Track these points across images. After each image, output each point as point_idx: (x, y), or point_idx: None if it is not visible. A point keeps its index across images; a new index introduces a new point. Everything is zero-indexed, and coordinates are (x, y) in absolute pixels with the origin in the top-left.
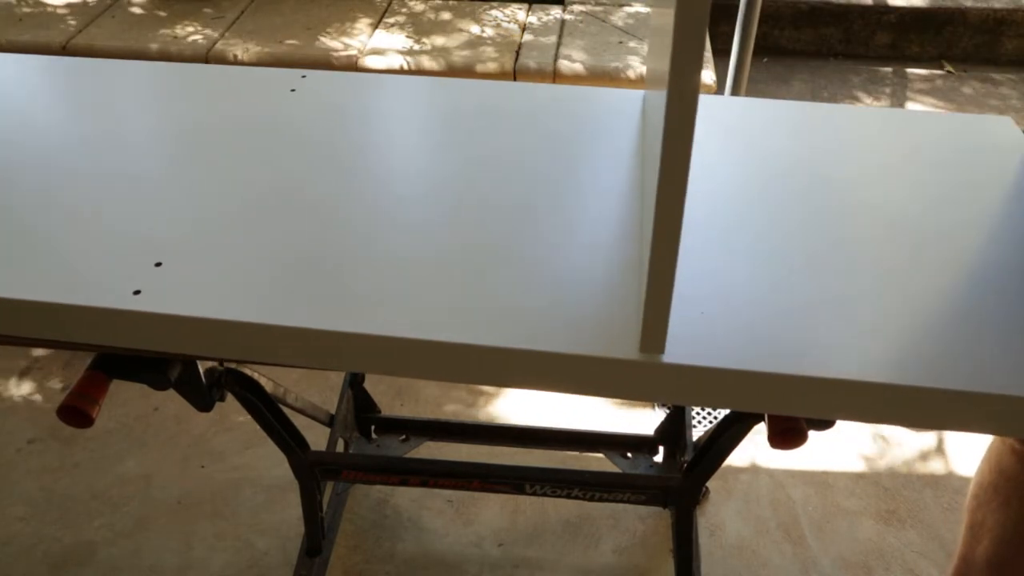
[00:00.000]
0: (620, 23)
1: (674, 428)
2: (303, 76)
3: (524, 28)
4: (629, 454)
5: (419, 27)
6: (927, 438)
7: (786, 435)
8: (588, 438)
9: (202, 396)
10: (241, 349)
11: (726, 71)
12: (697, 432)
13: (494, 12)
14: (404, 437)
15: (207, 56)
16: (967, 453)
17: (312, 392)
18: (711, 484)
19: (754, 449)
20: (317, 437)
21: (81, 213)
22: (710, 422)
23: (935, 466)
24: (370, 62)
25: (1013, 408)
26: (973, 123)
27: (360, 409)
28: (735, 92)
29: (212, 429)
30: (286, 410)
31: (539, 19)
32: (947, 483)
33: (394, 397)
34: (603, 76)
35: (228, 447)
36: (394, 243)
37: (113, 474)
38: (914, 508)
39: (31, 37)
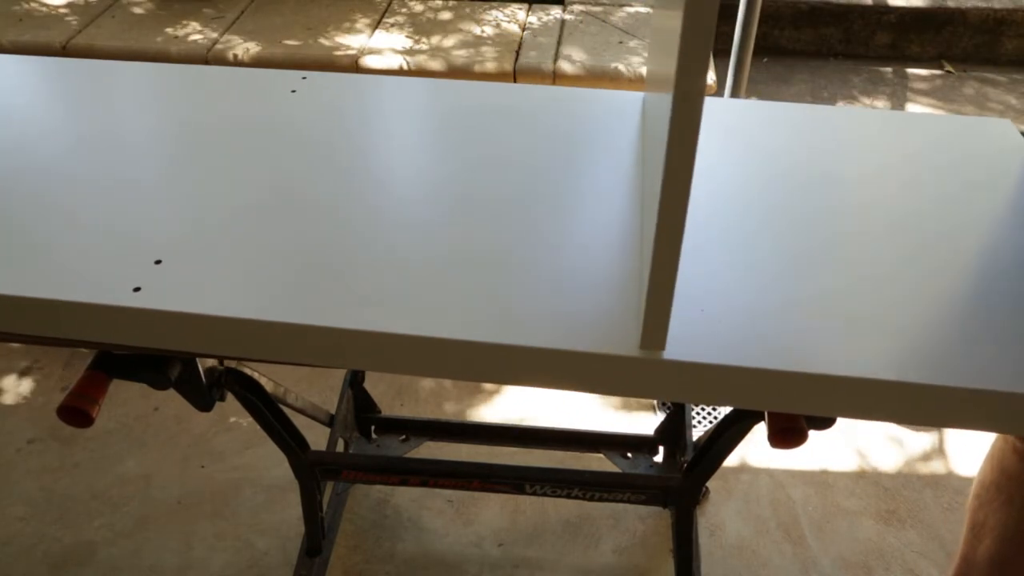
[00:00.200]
0: (620, 23)
1: (674, 428)
2: (303, 77)
3: (524, 28)
4: (629, 454)
5: (419, 27)
6: (927, 438)
7: (786, 434)
8: (588, 438)
9: (202, 396)
10: (241, 346)
11: (726, 71)
12: (697, 432)
13: (494, 12)
14: (404, 437)
15: (207, 56)
16: (967, 453)
17: (312, 392)
18: (711, 484)
19: (754, 449)
20: (317, 437)
21: (81, 211)
22: (710, 422)
23: (935, 466)
24: (370, 62)
25: (1014, 406)
26: (972, 125)
27: (360, 409)
28: (735, 92)
29: (212, 429)
30: (286, 410)
31: (539, 19)
32: (947, 483)
33: (394, 397)
34: (603, 76)
35: (228, 447)
36: (394, 242)
37: (113, 474)
38: (914, 508)
39: (31, 37)
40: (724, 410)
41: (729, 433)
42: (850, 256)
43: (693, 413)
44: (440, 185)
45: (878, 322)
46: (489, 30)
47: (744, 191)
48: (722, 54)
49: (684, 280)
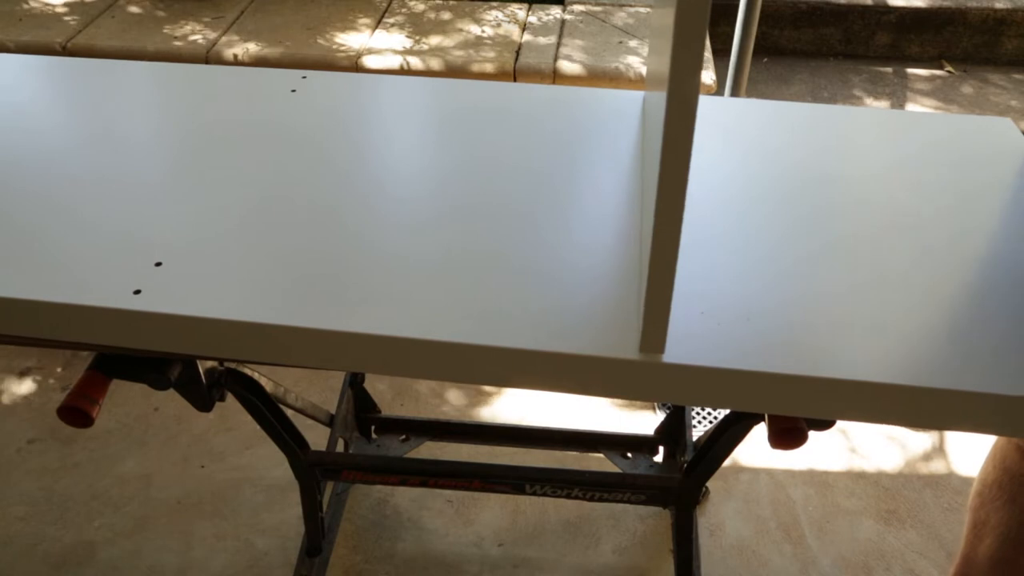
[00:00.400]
0: (620, 23)
1: (674, 428)
2: (303, 77)
3: (524, 28)
4: (629, 454)
5: (419, 27)
6: (927, 438)
7: (786, 435)
8: (588, 438)
9: (202, 396)
10: (241, 349)
11: (726, 71)
12: (697, 432)
13: (494, 12)
14: (404, 437)
15: (207, 56)
16: (967, 453)
17: (312, 392)
18: (711, 484)
19: (754, 449)
20: (317, 437)
21: (81, 213)
22: (710, 422)
23: (935, 466)
24: (370, 62)
25: (1014, 408)
26: (973, 124)
27: (360, 409)
28: (735, 92)
29: (212, 429)
30: (286, 410)
31: (539, 19)
32: (947, 483)
33: (394, 397)
34: (603, 76)
35: (228, 447)
36: (394, 243)
37: (113, 474)
38: (914, 508)
39: (31, 37)
40: (724, 410)
41: (729, 433)
42: (850, 258)
43: (693, 413)
44: (439, 186)
45: (878, 324)
46: (489, 30)
47: (744, 191)
48: (722, 54)
49: (683, 281)
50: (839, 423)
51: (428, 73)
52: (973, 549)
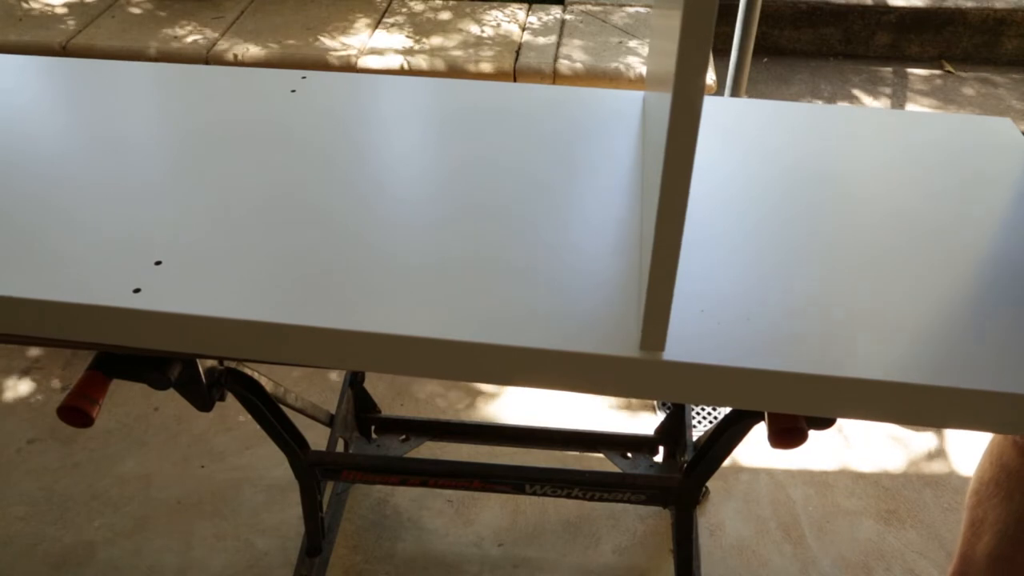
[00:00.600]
0: (620, 23)
1: (674, 428)
2: (303, 77)
3: (524, 28)
4: (629, 454)
5: (419, 27)
6: (927, 438)
7: (786, 434)
8: (588, 438)
9: (202, 396)
10: (241, 348)
11: (726, 71)
12: (697, 432)
13: (494, 12)
14: (404, 437)
15: (207, 56)
16: (967, 453)
17: (312, 392)
18: (711, 484)
19: (754, 449)
20: (317, 437)
21: (81, 212)
22: (710, 422)
23: (935, 466)
24: (370, 62)
25: (1014, 406)
26: (972, 124)
27: (360, 409)
28: (735, 92)
29: (212, 429)
30: (286, 410)
31: (539, 19)
32: (947, 483)
33: (394, 397)
34: (603, 76)
35: (228, 447)
36: (394, 242)
37: (113, 474)
38: (914, 508)
39: (31, 37)
40: (724, 410)
41: (729, 433)
42: (850, 256)
43: (693, 413)
44: (439, 185)
45: (878, 322)
46: (489, 30)
47: (744, 191)
48: (722, 54)
49: (684, 280)
50: (839, 423)
51: (428, 73)
52: (971, 547)
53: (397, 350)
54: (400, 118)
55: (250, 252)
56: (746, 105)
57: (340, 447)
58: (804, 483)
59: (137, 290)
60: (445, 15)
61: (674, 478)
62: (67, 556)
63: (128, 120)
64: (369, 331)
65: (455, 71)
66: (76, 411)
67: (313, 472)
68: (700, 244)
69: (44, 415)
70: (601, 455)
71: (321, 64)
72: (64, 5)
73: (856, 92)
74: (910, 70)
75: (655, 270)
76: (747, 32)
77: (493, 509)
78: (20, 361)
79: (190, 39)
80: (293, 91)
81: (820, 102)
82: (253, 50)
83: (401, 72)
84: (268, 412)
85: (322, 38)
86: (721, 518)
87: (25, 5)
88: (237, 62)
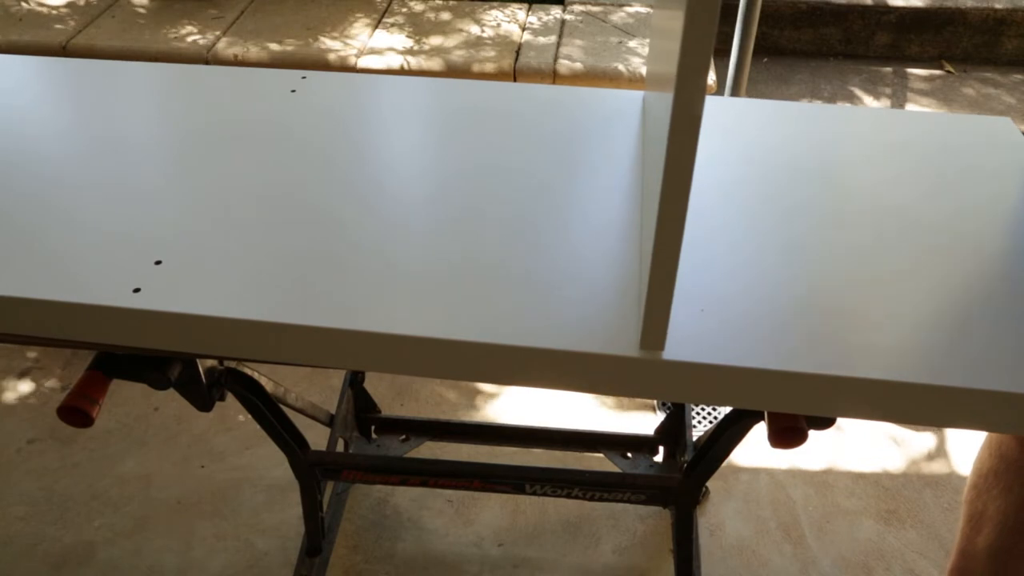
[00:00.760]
0: (620, 23)
1: (674, 428)
2: (303, 77)
3: (524, 28)
4: (629, 454)
5: (419, 27)
6: (927, 438)
7: (786, 434)
8: (588, 438)
9: (202, 396)
10: (241, 347)
11: (726, 71)
12: (697, 432)
13: (494, 12)
14: (404, 437)
15: (207, 56)
16: (967, 453)
17: (312, 392)
18: (711, 484)
19: (754, 449)
20: (317, 437)
21: (81, 212)
22: (710, 422)
23: (935, 466)
24: (370, 62)
25: (1014, 406)
26: (973, 123)
27: (360, 409)
28: (735, 92)
29: (212, 429)
30: (286, 410)
31: (539, 19)
32: (947, 483)
33: (394, 397)
34: (603, 76)
35: (228, 447)
36: (394, 242)
37: (113, 474)
38: (914, 508)
39: (31, 37)
40: (724, 410)
41: (729, 433)
42: (850, 256)
43: (693, 413)
44: (439, 185)
45: (878, 321)
46: (489, 30)
47: (744, 190)
48: (722, 54)
49: (684, 280)
50: (839, 422)
51: (428, 73)
52: (970, 541)
53: (397, 350)
54: (400, 118)
55: (250, 252)
56: (746, 105)
57: (340, 447)
58: (804, 483)
59: (137, 290)
60: (445, 15)
61: (674, 478)
62: (67, 556)
63: (128, 120)
64: (369, 331)
65: (455, 71)
66: (76, 411)
67: (313, 472)
68: (700, 244)
69: (44, 415)
70: (601, 455)
71: (321, 64)
72: (64, 5)
73: (856, 92)
74: (910, 70)
75: (655, 270)
76: (747, 32)
77: (493, 509)
78: (20, 361)
79: (190, 39)
80: (293, 91)
81: (820, 102)
82: (253, 50)
83: (401, 72)
84: (268, 412)
85: (322, 38)
86: (721, 518)
87: (25, 5)
88: (237, 62)
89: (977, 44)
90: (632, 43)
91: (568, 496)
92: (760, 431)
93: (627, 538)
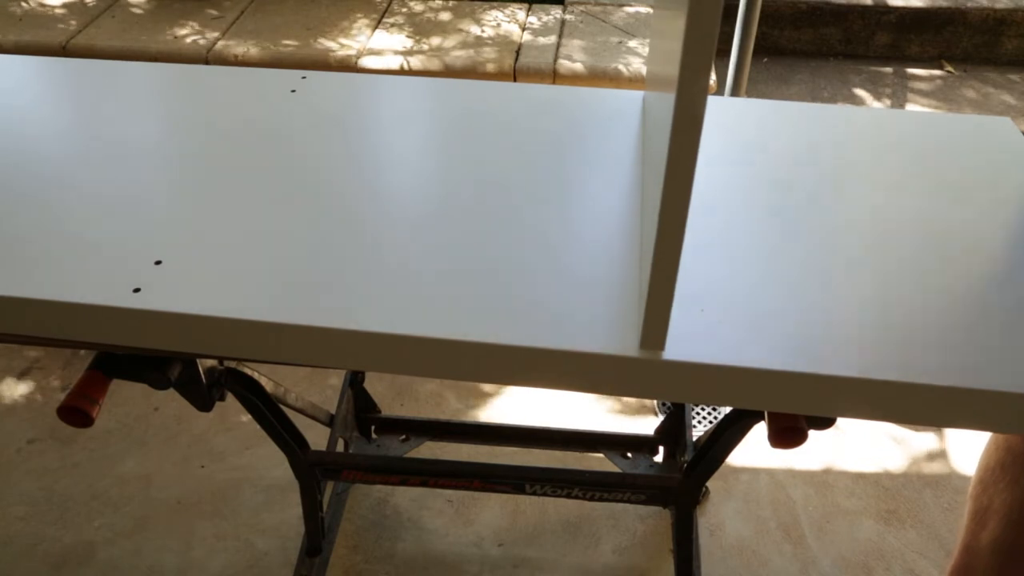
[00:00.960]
0: (620, 23)
1: (674, 428)
2: (303, 77)
3: (524, 28)
4: (629, 454)
5: (419, 27)
6: (927, 438)
7: (786, 434)
8: (588, 438)
9: (202, 396)
10: (241, 347)
11: (726, 71)
12: (697, 432)
13: (494, 12)
14: (404, 437)
15: (207, 56)
16: (967, 453)
17: (312, 392)
18: (711, 484)
19: (754, 449)
20: (317, 437)
21: (81, 212)
22: (710, 422)
23: (935, 466)
24: (369, 62)
25: (1014, 406)
26: (973, 124)
27: (360, 409)
28: (735, 92)
29: (212, 429)
30: (286, 410)
31: (539, 19)
32: (947, 483)
33: (394, 397)
34: (603, 76)
35: (228, 447)
36: (394, 241)
37: (113, 474)
38: (914, 508)
39: (31, 37)
40: (724, 410)
41: (729, 433)
42: (850, 255)
43: (693, 413)
44: (440, 185)
45: (878, 321)
46: (489, 30)
47: (744, 190)
48: (722, 54)
49: (684, 280)
50: (839, 422)
51: (428, 73)
52: (975, 537)
53: (397, 350)
54: (400, 118)
55: (250, 252)
56: (746, 105)
57: (340, 447)
58: (804, 483)
59: (137, 290)
60: (445, 15)
61: (674, 478)
62: (67, 556)
63: (128, 120)
64: (369, 331)
65: (455, 71)
66: (76, 411)
67: (313, 472)
68: (700, 243)
69: (44, 415)
70: (601, 455)
71: (321, 64)
72: (64, 5)
73: (856, 92)
74: (910, 70)
75: (655, 270)
76: (747, 32)
77: (493, 509)
78: (20, 361)
79: (190, 39)
80: (293, 91)
81: (820, 102)
82: (253, 50)
83: (401, 72)
84: (268, 412)
85: (322, 38)
86: (721, 518)
87: (25, 5)
88: (237, 62)
89: (977, 44)
90: (632, 43)
91: (568, 496)
92: (760, 431)
93: (627, 538)
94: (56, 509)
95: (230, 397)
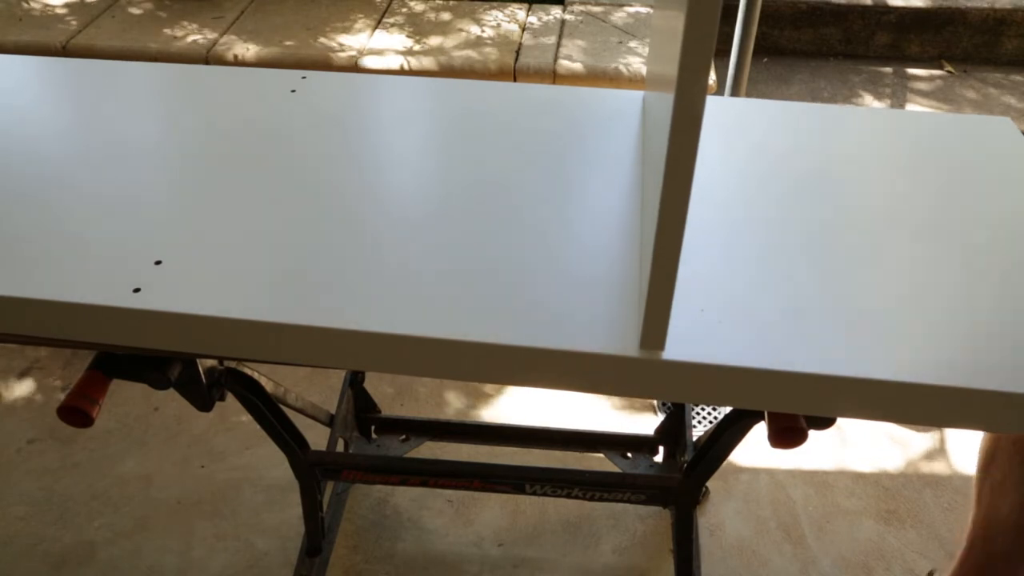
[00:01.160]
0: (620, 23)
1: (674, 428)
2: (303, 77)
3: (524, 28)
4: (629, 454)
5: (419, 27)
6: (927, 438)
7: (786, 434)
8: (588, 438)
9: (202, 396)
10: (241, 347)
11: (726, 71)
12: (697, 432)
13: (494, 12)
14: (404, 437)
15: (207, 56)
16: (967, 453)
17: (312, 392)
18: (711, 484)
19: (754, 449)
20: (317, 437)
21: (81, 212)
22: (710, 422)
23: (935, 466)
24: (370, 62)
25: (1013, 405)
26: (973, 123)
27: (360, 409)
28: (735, 92)
29: (212, 429)
30: (286, 410)
31: (539, 19)
32: (947, 483)
33: (394, 397)
34: (603, 76)
35: (228, 447)
36: (394, 242)
37: (113, 474)
38: (914, 508)
39: (31, 37)
40: (724, 410)
41: (729, 433)
42: (850, 255)
43: (693, 413)
44: (439, 185)
45: (878, 321)
46: (489, 30)
47: (743, 190)
48: (722, 54)
49: (683, 279)
50: (839, 422)
51: (428, 73)
52: (994, 508)
53: (397, 350)
54: (400, 118)
55: (250, 252)
56: (746, 105)
57: (340, 447)
58: (804, 483)
59: (137, 290)
60: (445, 15)
61: (674, 478)
62: (67, 556)
63: (128, 120)
64: (369, 331)
65: (455, 71)
66: (76, 411)
67: (313, 472)
68: (700, 243)
69: (44, 415)
70: (601, 455)
71: (321, 64)
72: (64, 5)
73: (856, 92)
74: (910, 70)
75: (655, 270)
76: (747, 32)
77: (493, 509)
78: (20, 361)
79: (190, 39)
80: (293, 91)
81: (820, 102)
82: (253, 50)
83: (401, 72)
84: (268, 412)
85: (322, 38)
86: (721, 518)
87: (25, 5)
88: (237, 62)
89: (977, 44)
90: (632, 43)
91: (568, 496)
92: (760, 431)
93: (627, 538)
94: (56, 509)
95: (230, 397)
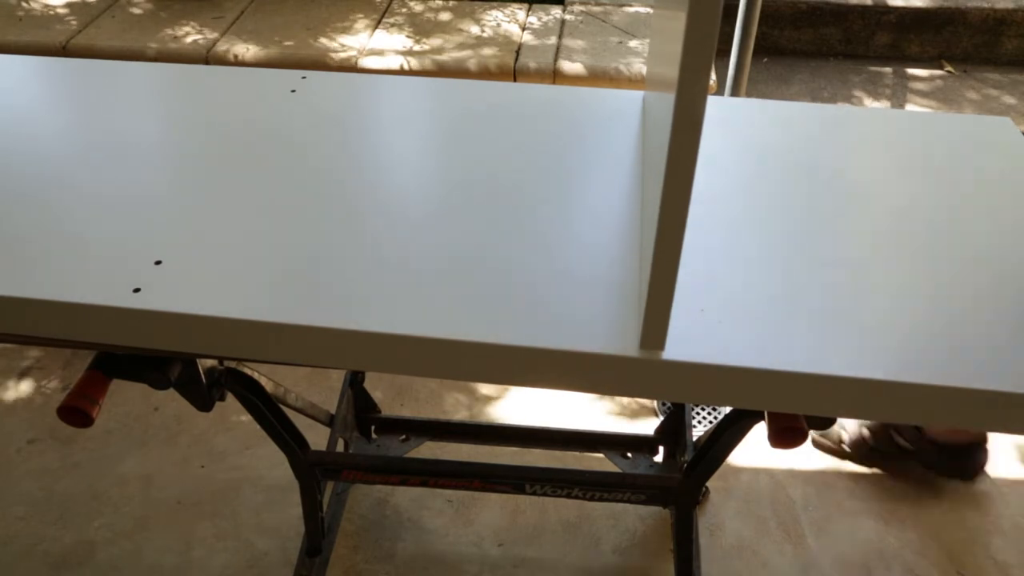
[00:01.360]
0: (620, 23)
1: (674, 428)
2: (303, 77)
3: (524, 28)
4: (629, 454)
5: (419, 27)
6: None
7: (786, 434)
8: (588, 438)
9: (202, 396)
10: (241, 347)
11: (726, 71)
12: (697, 432)
13: (494, 12)
14: (404, 437)
15: (207, 56)
16: None
17: (312, 392)
18: (711, 484)
19: (754, 449)
20: (317, 437)
21: (80, 212)
22: (710, 422)
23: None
24: (370, 62)
25: (1013, 406)
26: (972, 123)
27: (360, 409)
28: (735, 92)
29: (212, 429)
30: (286, 410)
31: (539, 19)
32: (947, 483)
33: (394, 397)
34: (603, 76)
35: (228, 447)
36: (394, 242)
37: (113, 474)
38: (914, 508)
39: (31, 37)
40: (724, 410)
41: (729, 433)
42: (850, 256)
43: (693, 413)
44: (440, 185)
45: (878, 322)
46: (489, 30)
47: (743, 190)
48: (722, 54)
49: (683, 279)
50: (839, 422)
51: (428, 73)
52: None
53: (397, 350)
54: (400, 118)
55: (250, 252)
56: (746, 105)
57: (340, 447)
58: (804, 483)
59: (137, 290)
60: (445, 15)
61: (674, 478)
62: (67, 556)
63: (128, 120)
64: (369, 331)
65: (455, 71)
66: (76, 411)
67: (313, 472)
68: (700, 244)
69: (44, 415)
70: (601, 455)
71: (321, 64)
72: (64, 5)
73: (856, 92)
74: (910, 70)
75: (655, 270)
76: (747, 32)
77: (493, 509)
78: (20, 361)
79: (190, 39)
80: (293, 91)
81: (820, 102)
82: (253, 50)
83: (401, 72)
84: (268, 412)
85: (322, 38)
86: (721, 518)
87: (25, 5)
88: (237, 62)
89: (977, 44)
90: (632, 43)
91: (568, 496)
92: (760, 431)
93: (627, 538)
94: (56, 509)
95: (230, 397)
